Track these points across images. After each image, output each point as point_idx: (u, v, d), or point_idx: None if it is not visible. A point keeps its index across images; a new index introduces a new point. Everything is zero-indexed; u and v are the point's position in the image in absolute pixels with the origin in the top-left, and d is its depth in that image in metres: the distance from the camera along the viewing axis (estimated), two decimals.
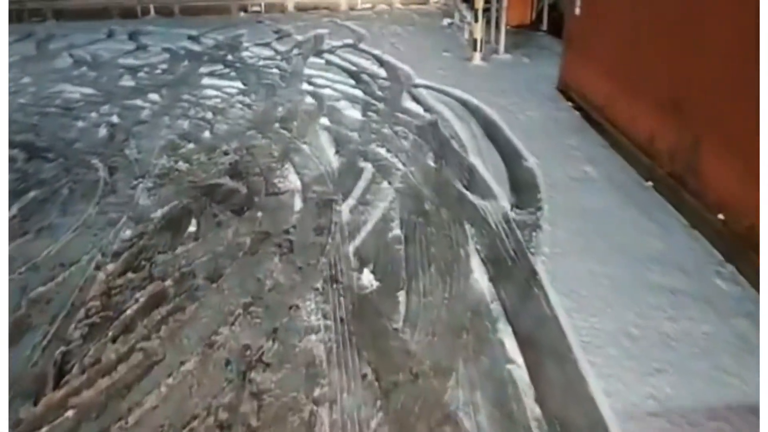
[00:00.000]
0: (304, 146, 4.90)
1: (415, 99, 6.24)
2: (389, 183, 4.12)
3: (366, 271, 2.98)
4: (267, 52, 8.93)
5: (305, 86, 6.84)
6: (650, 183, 3.97)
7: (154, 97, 6.52)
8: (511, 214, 3.60)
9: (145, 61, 8.39)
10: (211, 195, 3.99)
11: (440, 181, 4.15)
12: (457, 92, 6.43)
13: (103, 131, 5.34)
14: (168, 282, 2.94)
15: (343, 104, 6.06)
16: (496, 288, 2.85)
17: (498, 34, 8.31)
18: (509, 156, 4.56)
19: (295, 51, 9.01)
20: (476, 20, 7.70)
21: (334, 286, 2.91)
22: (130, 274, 3.02)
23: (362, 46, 9.29)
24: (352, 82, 7.01)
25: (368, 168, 4.40)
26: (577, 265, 3.01)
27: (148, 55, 8.77)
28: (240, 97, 6.42)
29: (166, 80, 7.29)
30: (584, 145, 4.70)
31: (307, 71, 7.63)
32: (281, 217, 3.65)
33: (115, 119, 5.72)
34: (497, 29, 8.47)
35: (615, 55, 4.90)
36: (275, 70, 7.72)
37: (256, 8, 13.75)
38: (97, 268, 3.08)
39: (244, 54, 8.85)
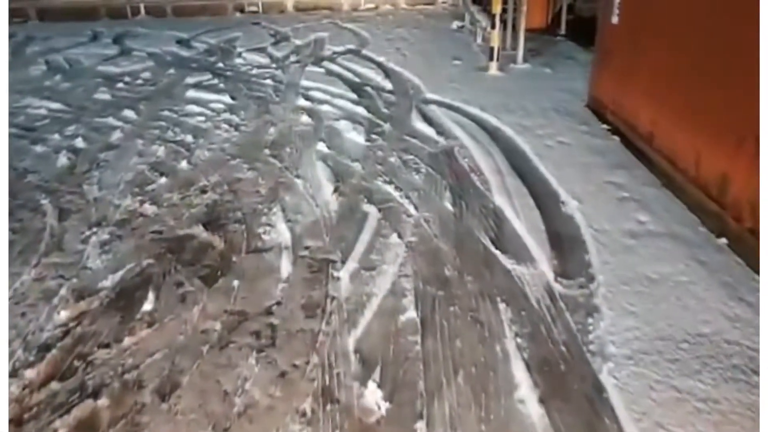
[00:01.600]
0: (297, 181, 4.13)
1: (426, 118, 5.46)
2: (399, 235, 3.35)
3: (371, 385, 2.21)
4: (262, 59, 8.15)
5: (301, 101, 6.06)
6: (724, 240, 3.19)
7: (129, 114, 5.75)
8: (557, 287, 2.83)
9: (127, 69, 7.61)
10: (178, 252, 3.21)
11: (461, 233, 3.37)
12: (474, 110, 5.65)
13: (63, 159, 4.57)
14: (103, 400, 2.17)
15: (343, 125, 5.28)
16: (549, 416, 2.08)
17: (515, 40, 7.51)
18: (543, 197, 3.78)
19: (293, 58, 8.23)
20: (493, 26, 6.90)
21: (328, 407, 2.14)
22: (54, 385, 2.25)
23: (365, 52, 8.51)
24: (354, 96, 6.23)
25: (373, 213, 3.62)
26: (656, 376, 2.24)
27: (131, 62, 7.99)
28: (227, 115, 5.64)
29: (147, 93, 6.51)
30: (632, 184, 3.92)
31: (304, 82, 6.85)
32: (263, 288, 2.88)
33: (80, 143, 4.95)
34: (514, 35, 7.68)
35: (668, 73, 4.11)
36: (269, 81, 6.94)
37: (253, 8, 12.96)
38: (13, 373, 2.31)
39: (237, 61, 8.07)
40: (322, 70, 7.41)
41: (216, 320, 2.64)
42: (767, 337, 2.21)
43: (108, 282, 2.93)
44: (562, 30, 9.71)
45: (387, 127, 5.25)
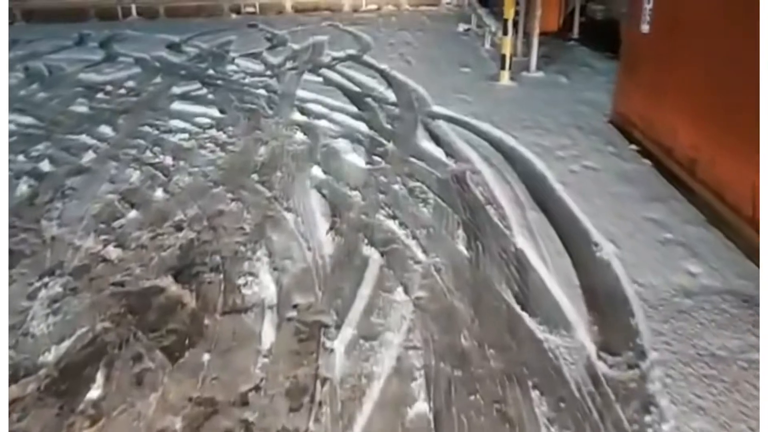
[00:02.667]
0: (288, 215, 3.60)
1: (433, 136, 4.92)
2: (405, 290, 2.82)
3: None
4: (256, 66, 7.62)
5: (296, 116, 5.53)
6: None
7: (106, 130, 5.22)
8: (600, 366, 2.30)
9: (111, 77, 7.09)
10: (141, 312, 2.69)
11: (479, 286, 2.85)
12: (486, 126, 5.11)
13: (23, 187, 4.04)
14: None
15: (342, 144, 4.75)
16: None
17: (528, 46, 6.97)
18: (573, 239, 3.24)
19: (289, 64, 7.70)
20: (505, 32, 6.36)
21: None
22: None
23: (367, 58, 7.98)
24: (355, 109, 5.70)
25: (374, 258, 3.10)
26: None
27: (115, 69, 7.47)
28: (213, 132, 5.11)
29: (128, 104, 5.98)
30: (673, 221, 3.38)
31: (300, 93, 6.31)
32: (239, 364, 2.35)
33: (45, 166, 4.42)
34: (526, 40, 7.14)
35: (713, 90, 3.57)
36: (262, 91, 6.41)
37: (250, 9, 12.45)
38: None
39: (229, 68, 7.54)
40: (320, 78, 6.88)
41: (177, 414, 2.11)
42: (767, 336, 2.18)
43: (51, 356, 2.40)
44: (575, 34, 9.19)
45: (390, 146, 4.71)
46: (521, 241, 3.23)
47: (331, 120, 5.38)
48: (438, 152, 4.58)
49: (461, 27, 10.20)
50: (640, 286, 2.77)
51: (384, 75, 7.04)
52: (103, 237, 3.35)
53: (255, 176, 4.17)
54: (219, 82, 6.87)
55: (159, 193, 3.91)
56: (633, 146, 4.57)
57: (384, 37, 9.59)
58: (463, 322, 2.59)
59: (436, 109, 5.69)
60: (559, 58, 7.61)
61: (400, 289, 2.83)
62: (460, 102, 5.86)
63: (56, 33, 10.08)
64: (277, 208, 3.70)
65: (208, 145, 4.80)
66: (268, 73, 7.26)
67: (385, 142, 4.83)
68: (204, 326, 2.59)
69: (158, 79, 6.95)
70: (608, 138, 4.78)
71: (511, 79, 6.57)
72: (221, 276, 2.96)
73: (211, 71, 7.36)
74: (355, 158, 4.48)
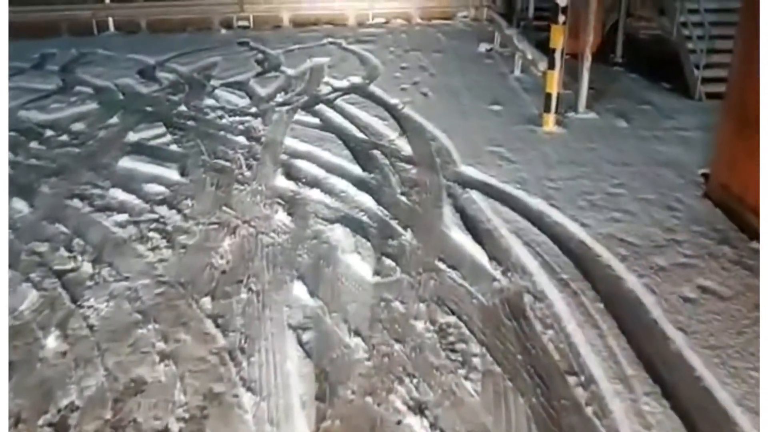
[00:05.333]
0: (244, 398, 2.21)
1: (468, 220, 3.53)
2: None
3: None
4: (239, 100, 6.25)
5: (280, 180, 4.15)
6: None
7: (18, 206, 3.84)
8: None
9: (57, 116, 5.72)
10: None
11: None
12: (539, 204, 3.72)
13: None
14: None
15: (339, 234, 3.37)
16: None
17: (575, 77, 5.55)
18: None
19: (280, 97, 6.32)
20: (552, 66, 4.97)
21: None
22: None
23: (374, 88, 6.60)
24: (358, 170, 4.32)
25: None
26: None
27: (66, 104, 6.10)
28: (164, 210, 3.72)
29: (64, 161, 4.59)
30: None
31: (289, 142, 4.94)
32: None
33: None
34: (568, 68, 5.72)
35: None
36: (242, 139, 5.04)
37: (243, 23, 11.09)
38: None
39: (206, 102, 6.17)
40: (316, 120, 5.49)
41: None
42: (767, 336, 2.18)
43: None
44: (618, 56, 7.76)
45: (408, 238, 3.33)
46: None
47: (326, 189, 3.99)
48: (476, 251, 3.19)
49: (482, 47, 8.80)
50: None
51: (395, 114, 5.65)
52: None
53: (207, 301, 2.79)
54: (190, 123, 5.49)
55: (51, 341, 2.52)
56: (754, 242, 3.17)
57: (394, 59, 8.21)
58: None
59: (466, 170, 4.30)
60: (608, 91, 6.21)
61: None
62: (496, 159, 4.47)
63: (17, 52, 8.69)
64: (231, 377, 2.31)
65: (152, 234, 3.41)
66: (253, 110, 5.88)
67: (400, 230, 3.44)
68: None
69: (115, 120, 5.58)
70: (715, 226, 3.38)
71: (558, 123, 5.17)
72: None
73: (183, 107, 5.99)
74: (356, 263, 3.09)
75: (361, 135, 5.10)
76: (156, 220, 3.58)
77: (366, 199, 3.84)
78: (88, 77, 7.25)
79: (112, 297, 2.83)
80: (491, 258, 3.10)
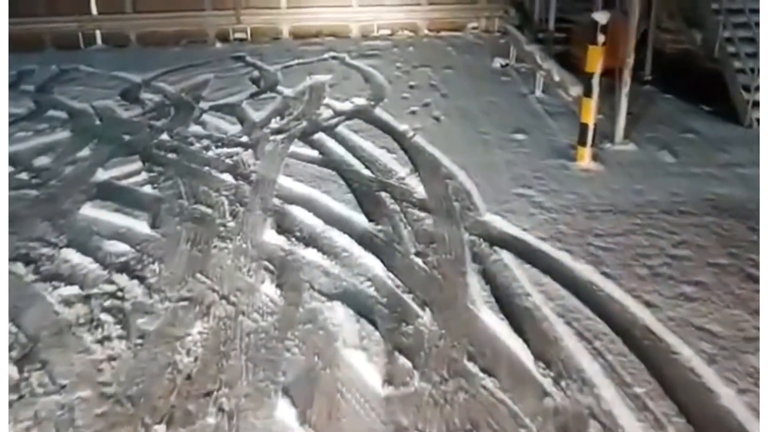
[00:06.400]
0: None
1: (499, 295, 2.83)
2: None
3: None
4: (229, 126, 5.57)
5: (270, 235, 3.46)
6: None
7: None
8: None
9: (20, 147, 5.02)
10: None
11: None
12: (585, 270, 3.01)
13: None
14: None
15: (339, 316, 2.68)
16: None
17: (612, 103, 4.84)
18: None
19: (275, 123, 5.65)
20: (588, 94, 4.27)
21: None
22: None
23: (380, 112, 5.92)
24: (363, 220, 3.63)
25: None
26: None
27: (33, 132, 5.41)
28: (123, 281, 3.01)
29: (15, 208, 3.85)
30: None
31: (283, 181, 4.26)
32: None
33: None
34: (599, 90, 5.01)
35: None
36: (228, 177, 4.35)
37: (240, 35, 10.43)
38: None
39: (192, 129, 5.50)
40: (314, 152, 4.80)
41: None
42: (767, 337, 2.21)
43: None
44: (647, 73, 7.04)
45: (425, 324, 2.63)
46: None
47: (324, 247, 3.29)
48: (516, 345, 2.48)
49: (497, 62, 8.12)
50: None
51: (405, 144, 4.96)
52: None
53: (161, 431, 2.08)
54: (171, 155, 4.81)
55: None
56: None
57: (401, 76, 7.53)
58: None
59: (492, 220, 3.60)
60: (643, 116, 5.51)
61: None
62: (527, 204, 3.77)
63: None
64: None
65: (104, 317, 2.71)
66: (244, 139, 5.20)
67: (416, 308, 2.74)
68: None
69: (86, 152, 4.90)
70: None
71: (594, 157, 4.47)
72: None
73: (165, 135, 5.31)
74: (362, 363, 2.39)
75: (366, 172, 4.41)
76: (112, 295, 2.88)
77: (373, 263, 3.14)
78: (65, 99, 6.57)
79: (37, 421, 2.13)
80: (537, 357, 2.39)
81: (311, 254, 3.23)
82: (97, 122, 5.79)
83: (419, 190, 4.08)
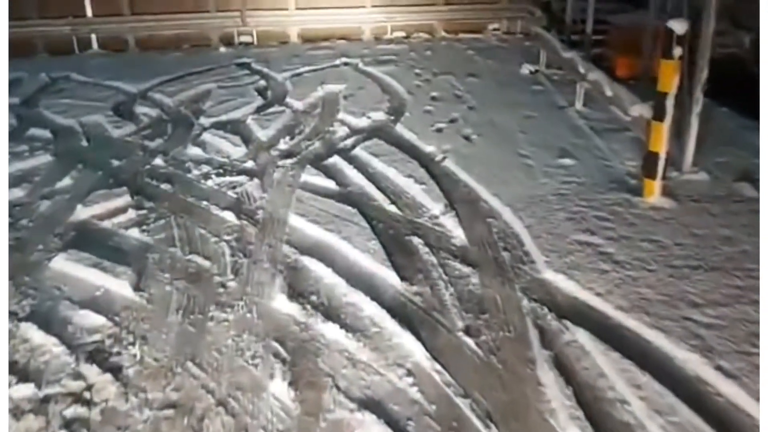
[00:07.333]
0: None
1: (586, 400, 2.14)
2: None
3: None
4: (231, 148, 4.91)
5: (279, 300, 2.79)
6: None
7: None
8: None
9: None
10: None
11: None
12: (694, 362, 2.31)
13: None
14: None
15: None
16: None
17: (684, 132, 4.11)
18: None
19: (284, 143, 4.98)
20: (660, 117, 3.57)
21: None
22: None
23: (402, 129, 5.25)
24: (394, 279, 2.95)
25: None
26: None
27: (11, 156, 4.73)
28: (92, 375, 2.33)
29: None
30: None
31: (295, 221, 3.58)
32: None
33: None
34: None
35: None
36: (230, 216, 3.67)
37: (246, 39, 9.76)
38: None
39: (190, 152, 4.84)
40: (330, 183, 4.12)
41: None
42: (767, 336, 2.18)
43: None
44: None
45: None
46: None
47: (348, 321, 2.62)
48: None
49: (525, 69, 7.41)
50: None
51: (434, 170, 4.28)
52: None
53: None
54: (164, 187, 4.14)
55: None
56: None
57: (422, 85, 6.84)
58: None
59: (555, 280, 2.91)
60: (706, 135, 4.72)
61: None
62: (594, 257, 3.07)
63: None
64: None
65: None
66: (249, 164, 4.52)
67: (478, 425, 2.05)
68: None
69: (66, 181, 4.24)
70: None
71: (663, 191, 3.76)
72: None
73: (159, 159, 4.64)
74: None
75: (392, 209, 3.73)
76: (77, 398, 2.21)
77: (412, 344, 2.46)
78: (51, 114, 5.92)
79: None
80: None
81: (332, 331, 2.56)
82: (84, 143, 5.13)
83: (458, 234, 3.40)
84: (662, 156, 3.63)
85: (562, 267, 2.99)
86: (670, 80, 3.48)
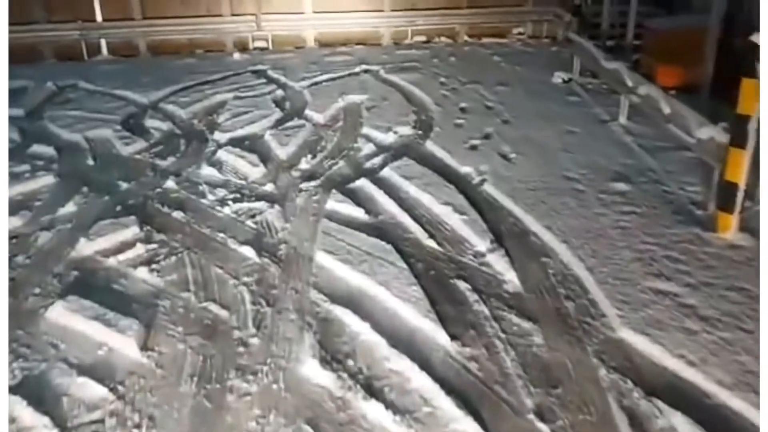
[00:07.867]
0: None
1: None
2: None
3: None
4: (250, 169, 4.52)
5: (309, 364, 2.38)
6: None
7: None
8: None
9: None
10: None
11: None
12: None
13: None
14: None
15: None
16: None
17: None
18: None
19: (305, 163, 4.57)
20: (740, 143, 3.11)
21: None
22: None
23: (432, 146, 4.85)
24: (442, 337, 2.53)
25: None
26: None
27: (11, 177, 4.35)
28: None
29: None
30: None
31: (322, 259, 3.17)
32: None
33: None
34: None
35: None
36: (250, 254, 3.26)
37: (261, 44, 9.38)
38: None
39: (205, 173, 4.46)
40: (358, 211, 3.70)
41: None
42: (767, 335, 2.14)
43: None
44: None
45: None
46: None
47: (393, 397, 2.20)
48: None
49: (558, 77, 6.95)
50: None
51: (473, 196, 3.86)
52: None
53: None
54: (176, 215, 3.74)
55: None
56: None
57: (449, 95, 6.41)
58: None
59: (634, 340, 2.47)
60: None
61: None
62: (677, 313, 2.63)
63: None
64: None
65: None
66: (269, 187, 4.12)
67: None
68: None
69: (70, 207, 3.86)
70: None
71: (740, 227, 3.30)
72: None
73: (171, 182, 4.25)
74: None
75: (430, 244, 3.31)
76: None
77: None
78: (56, 128, 5.55)
79: None
80: None
81: (376, 411, 2.14)
82: (90, 162, 4.75)
83: (510, 278, 2.97)
84: (741, 187, 3.18)
85: (640, 324, 2.55)
86: (752, 101, 3.03)
